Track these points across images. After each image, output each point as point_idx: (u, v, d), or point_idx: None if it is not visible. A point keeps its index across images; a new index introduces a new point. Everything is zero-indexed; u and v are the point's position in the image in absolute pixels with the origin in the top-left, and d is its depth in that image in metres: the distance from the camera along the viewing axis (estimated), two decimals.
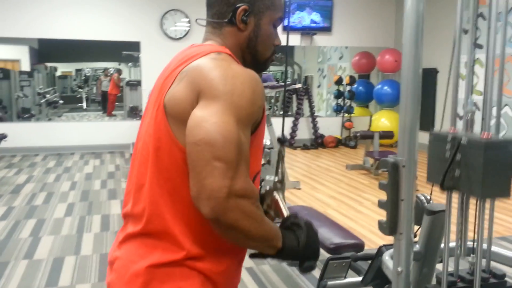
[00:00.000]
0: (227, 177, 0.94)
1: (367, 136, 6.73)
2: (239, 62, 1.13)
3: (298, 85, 7.33)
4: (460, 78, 1.40)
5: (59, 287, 3.11)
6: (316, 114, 9.31)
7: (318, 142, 9.01)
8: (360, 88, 9.69)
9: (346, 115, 9.37)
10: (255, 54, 1.19)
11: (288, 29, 1.46)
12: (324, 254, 3.19)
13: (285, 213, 1.21)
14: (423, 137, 1.64)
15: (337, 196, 5.42)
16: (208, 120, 0.96)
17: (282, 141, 1.29)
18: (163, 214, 1.07)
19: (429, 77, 8.32)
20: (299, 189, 5.74)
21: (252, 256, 1.13)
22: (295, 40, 9.09)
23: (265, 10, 1.16)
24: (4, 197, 5.28)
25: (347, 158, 7.90)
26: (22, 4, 7.83)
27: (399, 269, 1.53)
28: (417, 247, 1.84)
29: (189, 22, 8.31)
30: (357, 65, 9.80)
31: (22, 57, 13.35)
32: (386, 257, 1.85)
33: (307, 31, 9.04)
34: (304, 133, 9.29)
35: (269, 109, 11.53)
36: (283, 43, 1.29)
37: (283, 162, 1.27)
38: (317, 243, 1.15)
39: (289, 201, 5.17)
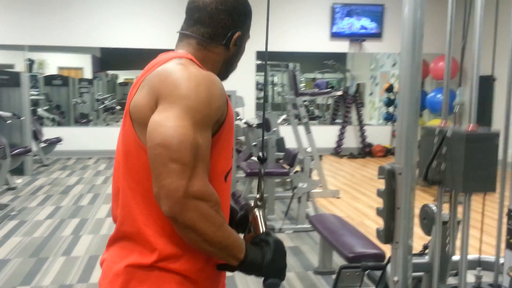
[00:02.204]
0: (184, 177, 0.97)
1: None
2: (202, 67, 1.16)
3: (338, 92, 7.21)
4: None
5: (89, 283, 3.24)
6: (368, 122, 9.14)
7: (365, 151, 8.83)
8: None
9: (396, 123, 9.12)
10: (230, 69, 1.28)
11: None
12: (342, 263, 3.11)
13: (261, 229, 1.21)
14: None
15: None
16: (164, 124, 1.00)
17: (261, 159, 1.30)
18: (135, 216, 1.11)
19: (486, 84, 7.96)
20: (339, 198, 5.65)
21: (219, 267, 1.14)
22: (343, 46, 8.98)
23: (246, 33, 1.27)
24: (54, 197, 5.57)
25: None
26: (85, 15, 8.35)
27: (395, 278, 1.49)
28: (426, 258, 1.77)
29: None
30: None
31: (85, 65, 14.08)
32: (389, 267, 1.79)
33: (356, 38, 8.91)
34: (351, 141, 9.14)
35: (320, 117, 11.42)
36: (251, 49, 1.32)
37: (263, 180, 1.29)
38: (283, 263, 1.15)
39: (325, 209, 5.10)
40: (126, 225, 1.13)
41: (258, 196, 1.26)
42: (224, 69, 1.26)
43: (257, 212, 1.24)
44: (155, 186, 1.00)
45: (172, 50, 1.26)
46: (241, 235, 1.24)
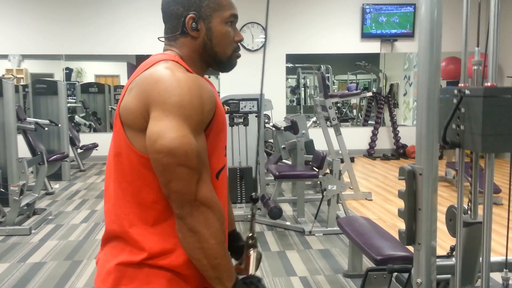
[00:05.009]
0: (193, 181, 1.04)
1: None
2: (191, 68, 1.18)
3: (369, 94, 7.12)
4: None
5: None
6: (402, 123, 8.98)
7: (399, 152, 8.67)
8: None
9: None
10: (215, 56, 1.22)
11: (266, 40, 1.46)
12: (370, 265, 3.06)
13: (251, 271, 1.24)
14: None
15: None
16: (166, 135, 1.02)
17: (254, 200, 1.30)
18: (124, 216, 1.14)
19: None
20: (371, 200, 5.56)
21: None
22: (375, 47, 8.86)
23: (212, 13, 1.19)
24: (90, 202, 5.72)
25: None
26: (118, 24, 8.63)
27: (418, 280, 1.48)
28: (453, 261, 1.73)
29: (265, 34, 8.47)
30: (444, 71, 9.29)
31: (121, 73, 14.46)
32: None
33: (388, 38, 8.77)
34: (384, 143, 9.00)
35: (353, 118, 11.29)
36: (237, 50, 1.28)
37: (254, 219, 1.30)
38: None
39: (357, 211, 5.03)
40: (116, 224, 1.16)
41: (249, 235, 1.27)
42: (211, 59, 1.22)
43: (251, 252, 1.26)
44: (166, 191, 1.06)
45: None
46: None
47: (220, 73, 8.60)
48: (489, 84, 1.22)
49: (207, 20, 1.18)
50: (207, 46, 1.20)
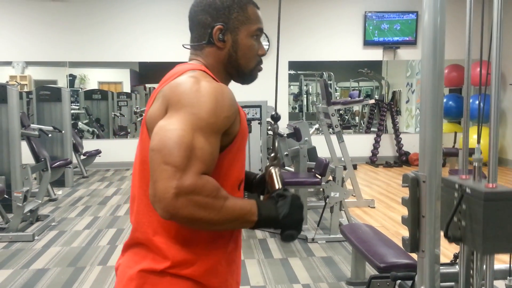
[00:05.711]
0: (174, 178, 0.98)
1: (450, 153, 6.34)
2: (216, 78, 1.19)
3: (371, 101, 7.14)
4: None
5: None
6: (405, 130, 8.98)
7: (402, 160, 8.67)
8: (450, 103, 9.17)
9: None
10: (238, 68, 1.24)
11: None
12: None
13: (277, 185, 1.24)
14: None
15: None
16: (164, 128, 1.03)
17: (275, 118, 1.32)
18: (148, 223, 1.15)
19: None
20: (373, 207, 5.56)
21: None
22: (377, 54, 8.89)
23: (240, 26, 1.21)
24: (92, 208, 5.73)
25: None
26: (121, 31, 8.69)
27: None
28: (456, 268, 1.73)
29: (268, 41, 8.49)
30: (447, 78, 9.29)
31: (124, 80, 14.51)
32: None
33: (390, 45, 8.80)
34: (387, 150, 8.99)
35: (355, 126, 11.30)
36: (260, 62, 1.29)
37: (276, 138, 1.32)
38: (300, 216, 1.16)
39: (360, 219, 5.03)
40: (139, 231, 1.17)
41: (272, 155, 1.30)
42: (234, 70, 1.25)
43: (272, 170, 1.27)
44: (150, 189, 1.02)
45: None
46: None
47: None
48: (490, 184, 1.23)
49: (234, 32, 1.20)
50: (232, 57, 1.22)
